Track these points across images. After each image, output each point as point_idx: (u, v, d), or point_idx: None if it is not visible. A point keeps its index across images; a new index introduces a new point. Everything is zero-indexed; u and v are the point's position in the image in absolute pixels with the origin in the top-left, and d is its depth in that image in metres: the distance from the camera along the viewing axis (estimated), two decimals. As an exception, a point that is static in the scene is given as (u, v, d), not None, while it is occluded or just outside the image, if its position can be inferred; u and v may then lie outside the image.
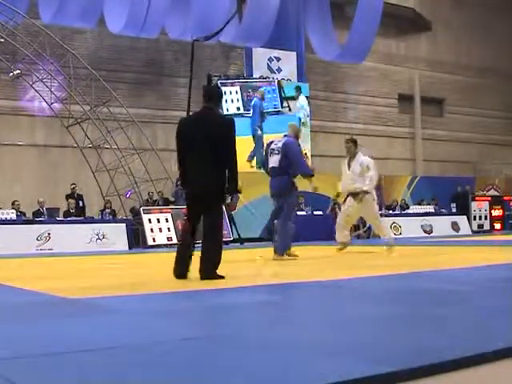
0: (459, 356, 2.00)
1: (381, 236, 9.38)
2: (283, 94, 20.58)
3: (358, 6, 20.03)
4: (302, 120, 20.60)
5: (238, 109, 19.66)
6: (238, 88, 19.84)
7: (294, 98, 20.90)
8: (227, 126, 5.38)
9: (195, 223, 5.49)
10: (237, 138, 5.36)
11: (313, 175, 8.32)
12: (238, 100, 19.89)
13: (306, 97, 21.14)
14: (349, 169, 8.99)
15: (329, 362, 2.03)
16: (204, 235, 5.38)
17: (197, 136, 5.32)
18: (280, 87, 20.55)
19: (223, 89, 18.72)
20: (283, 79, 20.88)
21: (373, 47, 21.56)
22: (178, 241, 5.43)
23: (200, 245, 5.42)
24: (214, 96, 5.56)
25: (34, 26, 16.48)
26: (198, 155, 5.31)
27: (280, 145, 8.07)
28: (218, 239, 5.53)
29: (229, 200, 5.47)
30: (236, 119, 5.99)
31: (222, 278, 5.25)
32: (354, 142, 9.15)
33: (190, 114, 5.55)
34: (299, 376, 1.87)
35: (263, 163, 8.67)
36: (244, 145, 18.98)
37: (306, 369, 1.95)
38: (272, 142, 8.37)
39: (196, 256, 5.42)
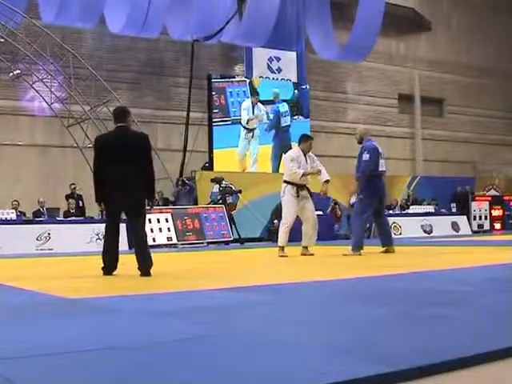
0: (459, 356, 2.00)
1: (313, 238, 9.27)
2: (258, 98, 19.66)
3: (360, 5, 20.05)
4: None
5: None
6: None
7: (273, 102, 19.90)
8: (144, 139, 6.08)
9: (118, 226, 6.23)
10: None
11: None
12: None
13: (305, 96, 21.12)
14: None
15: (329, 362, 2.03)
16: (137, 237, 6.06)
17: (120, 151, 5.91)
18: (253, 88, 19.58)
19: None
20: (283, 79, 20.84)
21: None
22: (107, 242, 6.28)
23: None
24: (123, 115, 6.13)
25: (34, 26, 16.49)
26: (121, 168, 5.88)
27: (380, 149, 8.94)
28: (147, 238, 6.29)
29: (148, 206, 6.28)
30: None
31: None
32: None
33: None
34: (299, 376, 1.87)
35: (375, 166, 8.83)
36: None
37: (306, 369, 1.95)
38: (377, 146, 8.98)
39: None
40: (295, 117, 20.54)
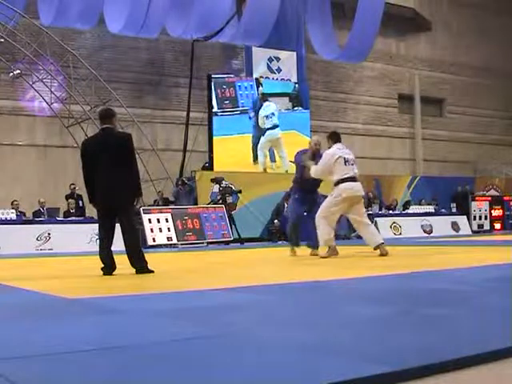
0: (459, 356, 2.00)
1: None
2: (262, 91, 20.11)
3: (359, 5, 20.05)
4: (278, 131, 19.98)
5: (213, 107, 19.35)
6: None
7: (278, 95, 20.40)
8: (127, 139, 6.24)
9: (112, 226, 6.27)
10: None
11: None
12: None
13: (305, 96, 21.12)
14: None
15: (329, 361, 2.03)
16: (126, 235, 6.16)
17: (105, 152, 6.10)
18: (258, 84, 20.14)
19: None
20: (283, 79, 20.85)
21: (373, 47, 21.58)
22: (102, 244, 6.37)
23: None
24: (108, 116, 6.34)
25: (34, 26, 16.48)
26: (107, 169, 6.07)
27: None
28: (138, 236, 6.56)
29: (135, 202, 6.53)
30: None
31: (153, 271, 6.02)
32: None
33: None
34: (299, 376, 1.87)
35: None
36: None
37: (306, 369, 1.95)
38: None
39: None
40: (295, 108, 20.79)
